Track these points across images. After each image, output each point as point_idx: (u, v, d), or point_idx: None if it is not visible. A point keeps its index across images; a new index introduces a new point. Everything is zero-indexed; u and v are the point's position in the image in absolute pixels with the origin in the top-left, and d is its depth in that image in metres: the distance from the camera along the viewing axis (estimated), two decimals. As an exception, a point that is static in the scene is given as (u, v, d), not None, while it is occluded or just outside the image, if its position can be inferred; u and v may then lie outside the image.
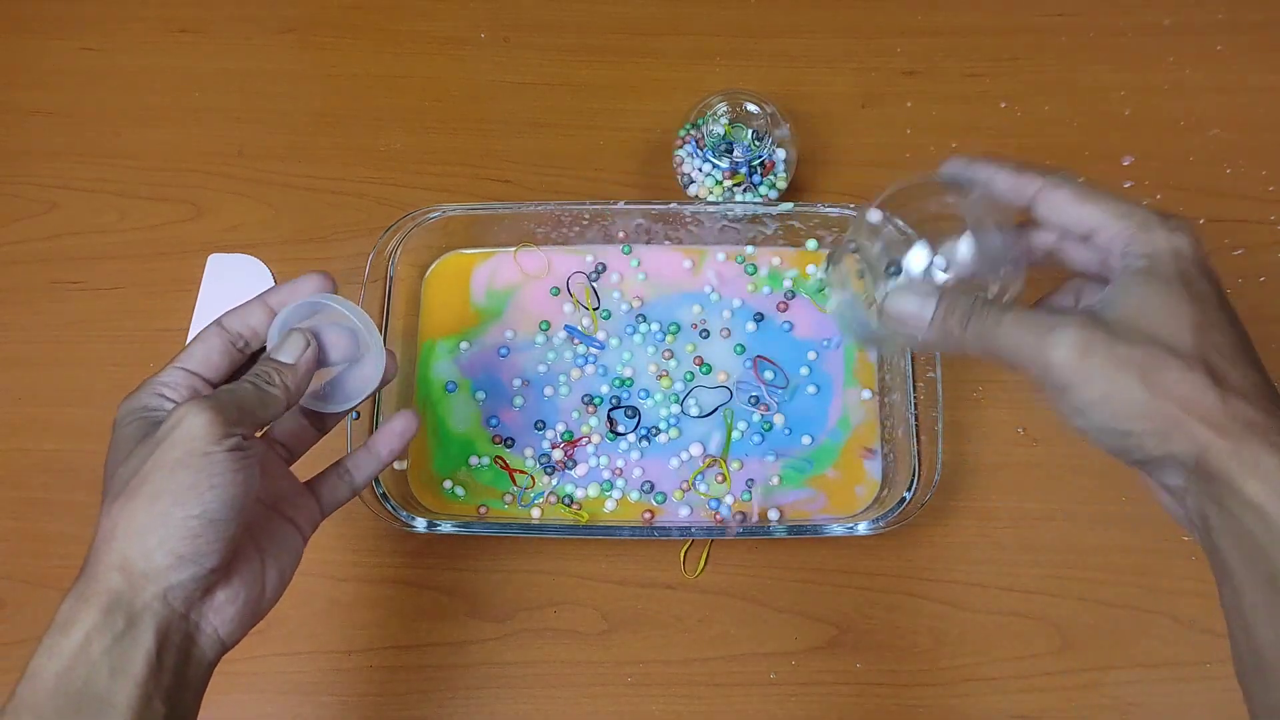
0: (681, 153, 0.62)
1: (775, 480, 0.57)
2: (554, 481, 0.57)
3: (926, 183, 0.42)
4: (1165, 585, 0.55)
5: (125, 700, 0.33)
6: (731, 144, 0.60)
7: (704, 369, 0.59)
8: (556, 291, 0.61)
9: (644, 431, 0.58)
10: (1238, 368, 0.34)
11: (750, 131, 0.60)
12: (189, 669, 0.36)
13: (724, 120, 0.60)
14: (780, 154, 0.61)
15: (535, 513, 0.56)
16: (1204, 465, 0.33)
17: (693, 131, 0.62)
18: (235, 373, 0.42)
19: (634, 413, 0.58)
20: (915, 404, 0.54)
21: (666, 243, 0.62)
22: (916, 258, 0.40)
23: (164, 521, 0.34)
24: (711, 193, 0.61)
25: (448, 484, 0.57)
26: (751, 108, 0.61)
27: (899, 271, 0.40)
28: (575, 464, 0.57)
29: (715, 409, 0.58)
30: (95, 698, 0.33)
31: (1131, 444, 0.34)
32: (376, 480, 0.53)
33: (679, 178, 0.62)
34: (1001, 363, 0.37)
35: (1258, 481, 0.32)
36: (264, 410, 0.39)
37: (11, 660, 0.54)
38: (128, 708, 0.33)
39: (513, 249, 0.62)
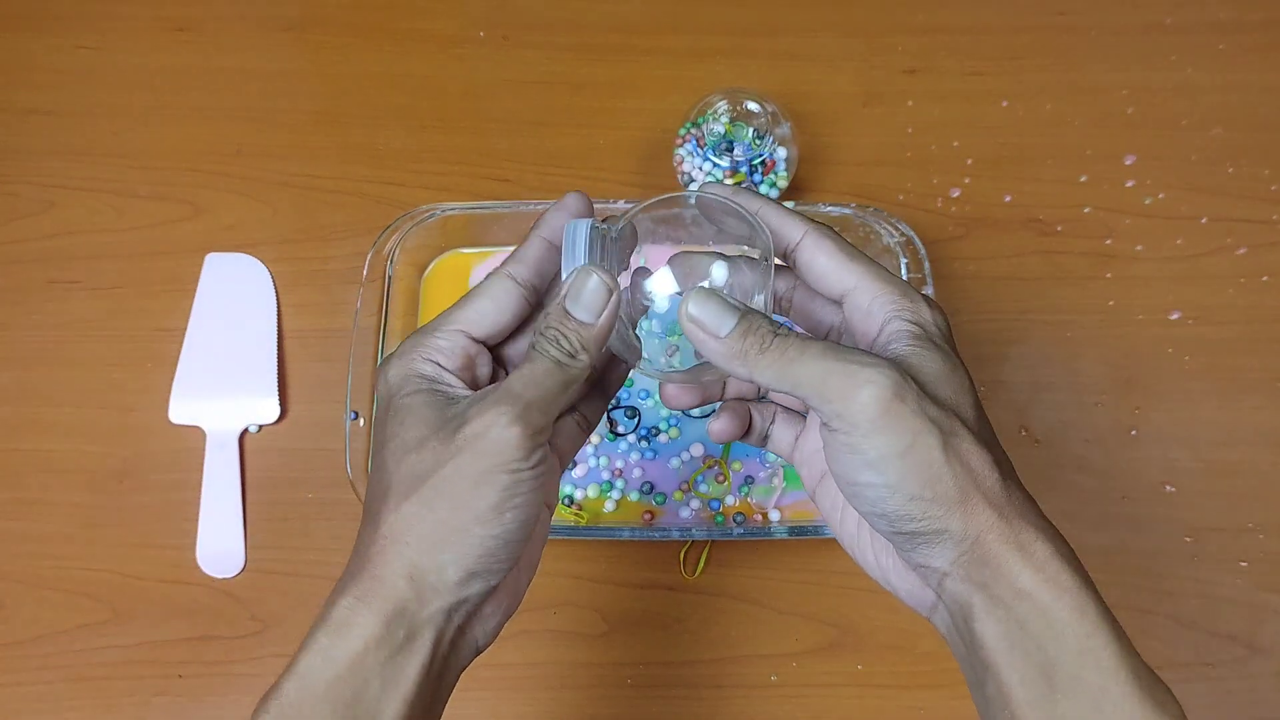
0: (682, 151, 0.62)
1: (776, 481, 0.56)
2: (553, 482, 0.57)
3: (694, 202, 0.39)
4: (1165, 585, 0.55)
5: (392, 717, 0.32)
6: (732, 143, 0.60)
7: (704, 369, 0.59)
8: (556, 291, 0.61)
9: (644, 431, 0.57)
10: (997, 450, 0.33)
11: (751, 130, 0.60)
12: (447, 678, 0.34)
13: (724, 119, 0.60)
14: (781, 153, 0.61)
15: (535, 513, 0.56)
16: (979, 547, 0.31)
17: (693, 130, 0.61)
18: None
19: (634, 413, 0.58)
20: (916, 404, 0.54)
21: (666, 243, 0.61)
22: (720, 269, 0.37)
23: (462, 538, 0.32)
24: None
25: (447, 484, 0.56)
26: (752, 106, 0.60)
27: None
28: (575, 464, 0.57)
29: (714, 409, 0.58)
30: (364, 711, 0.31)
31: (916, 510, 0.31)
32: (375, 481, 0.53)
33: (679, 176, 0.62)
34: (787, 395, 0.35)
35: (1032, 570, 0.31)
36: (566, 395, 0.34)
37: (11, 661, 0.54)
38: None
39: (512, 248, 0.61)
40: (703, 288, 0.34)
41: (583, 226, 0.35)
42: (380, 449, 0.34)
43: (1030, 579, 0.31)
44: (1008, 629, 0.31)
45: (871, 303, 0.35)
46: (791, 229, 0.36)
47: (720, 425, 0.39)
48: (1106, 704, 0.30)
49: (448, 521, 0.32)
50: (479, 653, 0.35)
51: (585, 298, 0.34)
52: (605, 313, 0.34)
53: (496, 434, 0.32)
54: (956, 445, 0.31)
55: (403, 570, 0.32)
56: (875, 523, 0.33)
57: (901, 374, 0.31)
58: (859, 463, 0.32)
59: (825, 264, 0.36)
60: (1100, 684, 0.30)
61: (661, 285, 0.37)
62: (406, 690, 0.32)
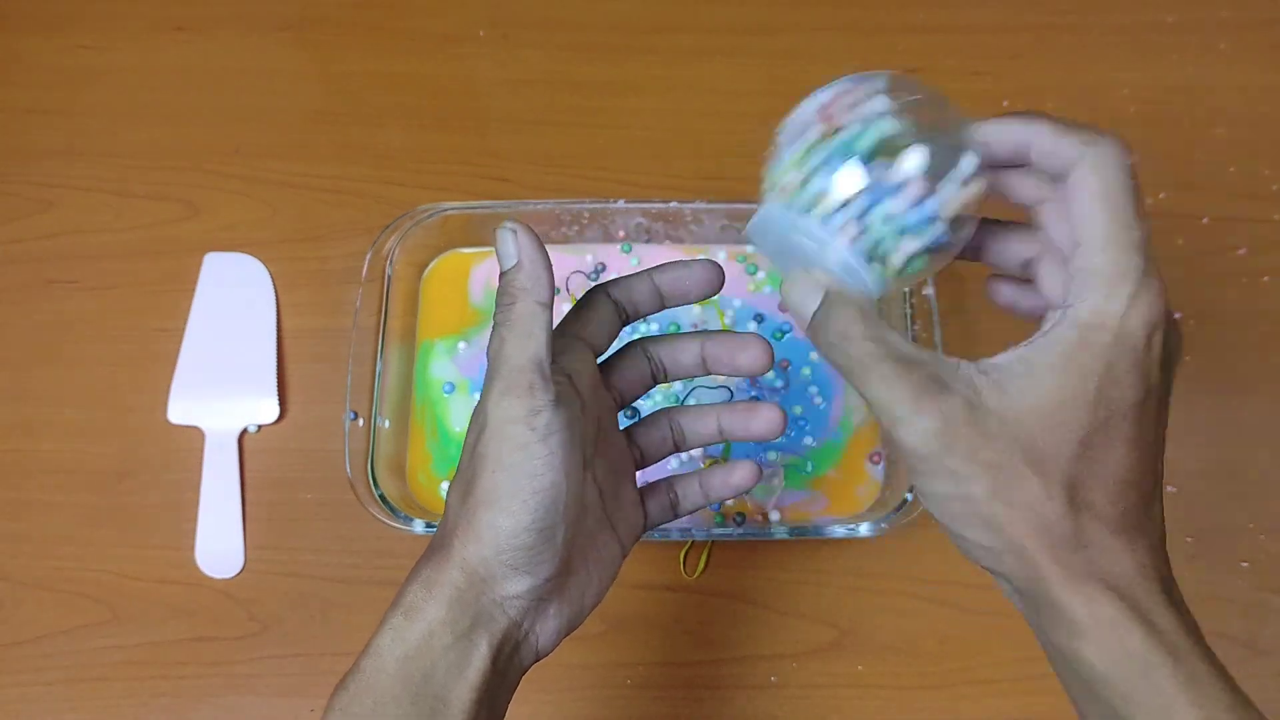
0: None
1: (776, 481, 0.56)
2: (553, 482, 0.57)
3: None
4: (1167, 586, 0.55)
5: (459, 703, 0.33)
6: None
7: (704, 369, 0.59)
8: (556, 291, 0.60)
9: (644, 432, 0.57)
10: (1115, 495, 0.29)
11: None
12: (510, 677, 0.35)
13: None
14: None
15: (534, 514, 0.56)
16: (1038, 593, 0.29)
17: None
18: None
19: (634, 413, 0.58)
20: (917, 405, 0.54)
21: (666, 242, 0.61)
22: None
23: (495, 533, 0.33)
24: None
25: (445, 485, 0.56)
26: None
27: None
28: (575, 465, 0.57)
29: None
30: (432, 694, 0.32)
31: (965, 547, 0.31)
32: (374, 481, 0.53)
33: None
34: None
35: (1091, 631, 0.28)
36: (535, 343, 0.33)
37: (10, 662, 0.54)
38: (461, 711, 0.32)
39: (512, 248, 0.61)
40: (795, 271, 0.32)
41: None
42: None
43: (1088, 644, 0.29)
44: (1072, 682, 0.30)
45: (1074, 273, 0.29)
46: (1068, 149, 0.30)
47: None
48: None
49: (484, 516, 0.33)
50: (539, 657, 0.36)
51: (501, 250, 0.35)
52: (522, 247, 0.35)
53: (495, 413, 0.33)
54: (1011, 494, 0.29)
55: (458, 560, 0.33)
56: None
57: (950, 418, 0.29)
58: (916, 489, 0.31)
59: (1077, 210, 0.30)
60: None
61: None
62: (472, 679, 0.33)
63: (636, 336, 0.41)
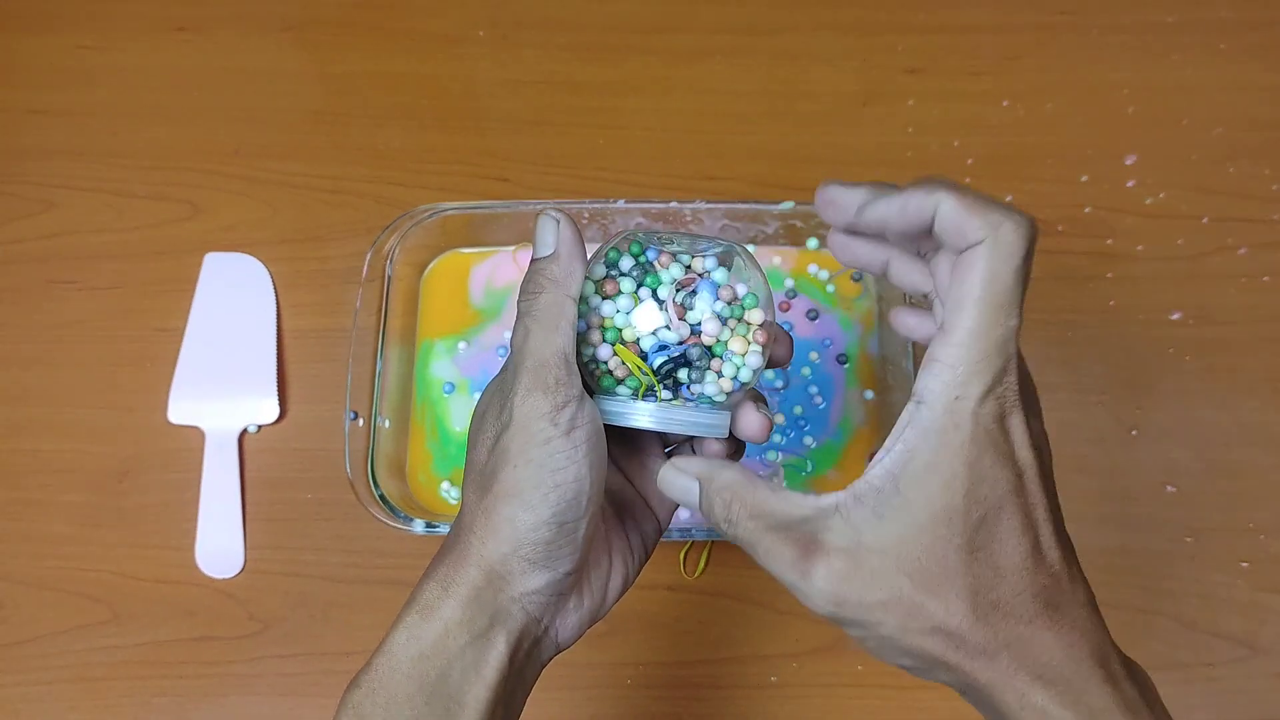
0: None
1: (776, 481, 0.56)
2: (553, 482, 0.57)
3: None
4: (1166, 586, 0.55)
5: (475, 703, 0.32)
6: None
7: (704, 369, 0.59)
8: (556, 291, 0.61)
9: (644, 432, 0.57)
10: (1020, 583, 0.29)
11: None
12: (528, 673, 0.35)
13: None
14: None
15: (534, 514, 0.56)
16: (978, 699, 0.30)
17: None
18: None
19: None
20: (917, 404, 0.54)
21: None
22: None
23: (514, 528, 0.32)
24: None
25: (446, 485, 0.56)
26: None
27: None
28: (575, 465, 0.57)
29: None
30: (447, 693, 0.32)
31: (905, 669, 0.31)
32: (375, 481, 0.53)
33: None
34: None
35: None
36: (561, 337, 0.33)
37: (11, 661, 0.54)
38: (476, 711, 0.32)
39: (511, 248, 0.61)
40: (669, 464, 0.35)
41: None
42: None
43: None
44: None
45: (936, 364, 0.29)
46: (974, 230, 0.28)
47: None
48: None
49: (502, 512, 0.33)
50: (560, 650, 0.36)
51: (539, 238, 0.34)
52: (562, 238, 0.34)
53: (521, 410, 0.33)
54: (917, 620, 0.29)
55: (474, 559, 0.33)
56: None
57: (835, 578, 0.30)
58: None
59: (957, 292, 0.29)
60: None
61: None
62: (489, 678, 0.33)
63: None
